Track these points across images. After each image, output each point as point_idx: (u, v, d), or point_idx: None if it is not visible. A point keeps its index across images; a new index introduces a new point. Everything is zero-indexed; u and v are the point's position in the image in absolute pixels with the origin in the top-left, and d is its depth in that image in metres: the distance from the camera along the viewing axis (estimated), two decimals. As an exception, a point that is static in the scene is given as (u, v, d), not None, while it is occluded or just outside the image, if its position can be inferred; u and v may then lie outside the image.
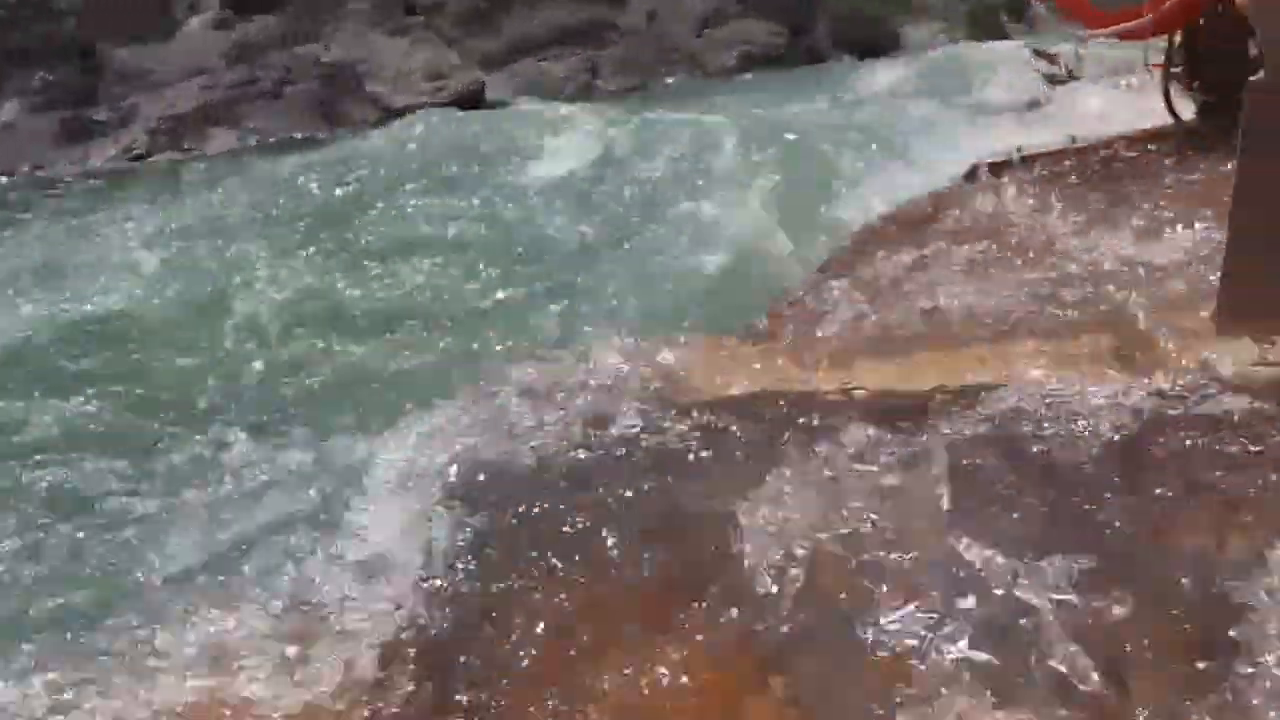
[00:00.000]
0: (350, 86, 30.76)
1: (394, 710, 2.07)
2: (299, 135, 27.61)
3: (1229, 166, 3.13)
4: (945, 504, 2.17)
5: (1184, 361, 2.56)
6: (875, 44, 57.59)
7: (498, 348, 7.37)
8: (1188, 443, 2.15)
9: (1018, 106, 13.56)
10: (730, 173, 12.67)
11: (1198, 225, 3.67)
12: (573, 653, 1.98)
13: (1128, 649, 1.75)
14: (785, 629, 2.01)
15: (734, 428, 2.60)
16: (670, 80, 36.72)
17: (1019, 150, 4.54)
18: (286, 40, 38.24)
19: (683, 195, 11.79)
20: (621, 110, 26.73)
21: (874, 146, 13.16)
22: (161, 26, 44.08)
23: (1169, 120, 4.60)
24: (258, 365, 8.19)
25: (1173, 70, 4.55)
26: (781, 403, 2.59)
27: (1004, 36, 72.50)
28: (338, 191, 15.54)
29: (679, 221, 10.65)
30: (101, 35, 38.10)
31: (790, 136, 14.83)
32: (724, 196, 11.36)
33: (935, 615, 1.90)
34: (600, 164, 14.49)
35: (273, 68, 30.74)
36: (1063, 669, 1.81)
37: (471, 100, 32.97)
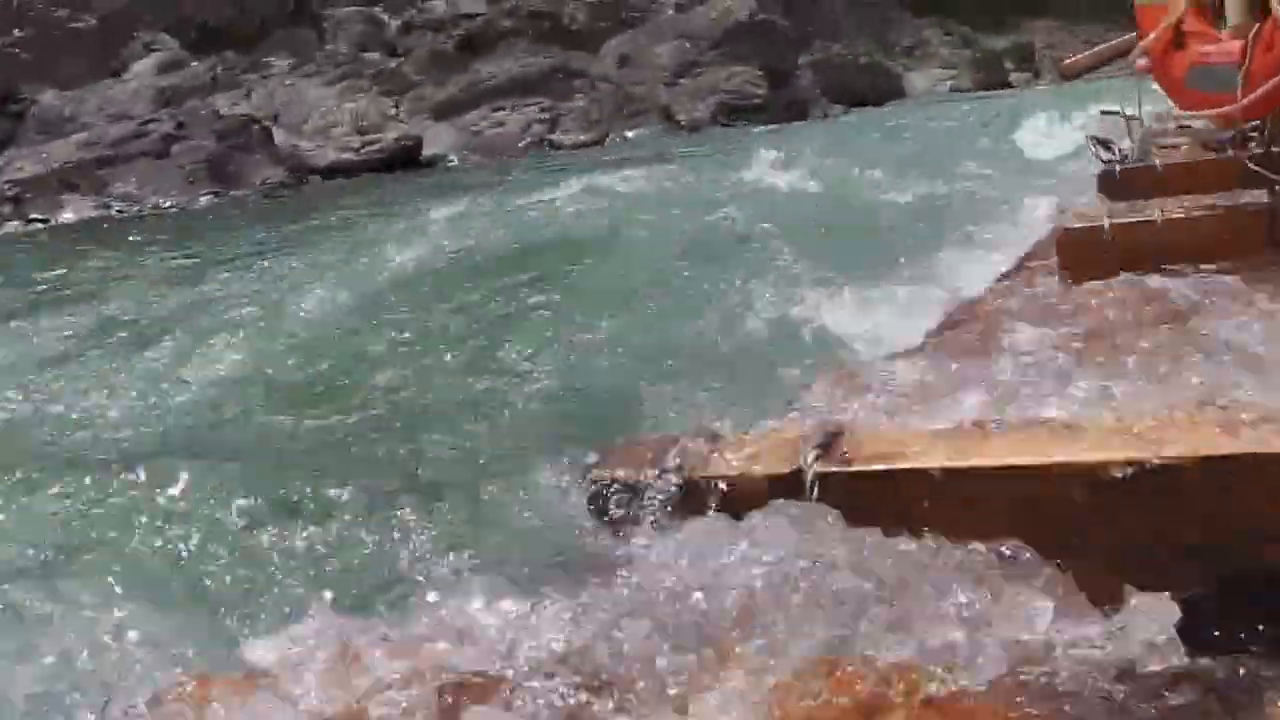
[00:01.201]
0: (255, 143, 27.01)
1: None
2: (170, 204, 23.76)
3: None
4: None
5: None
6: (871, 93, 53.95)
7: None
8: None
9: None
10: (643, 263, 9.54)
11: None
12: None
13: None
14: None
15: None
16: (632, 134, 32.91)
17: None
18: (218, 85, 34.61)
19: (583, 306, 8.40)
20: (565, 172, 22.95)
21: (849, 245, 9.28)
22: (110, 68, 40.78)
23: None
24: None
25: (1255, 152, 4.06)
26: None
27: (1008, 85, 69.13)
28: (156, 290, 11.61)
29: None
30: (29, 77, 34.57)
31: (723, 214, 11.67)
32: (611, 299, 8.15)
33: None
34: (505, 243, 11.54)
35: (168, 120, 26.97)
36: None
37: (406, 158, 29.32)
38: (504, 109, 34.30)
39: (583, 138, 32.19)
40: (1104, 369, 2.85)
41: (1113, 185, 5.18)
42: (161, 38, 43.53)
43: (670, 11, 40.23)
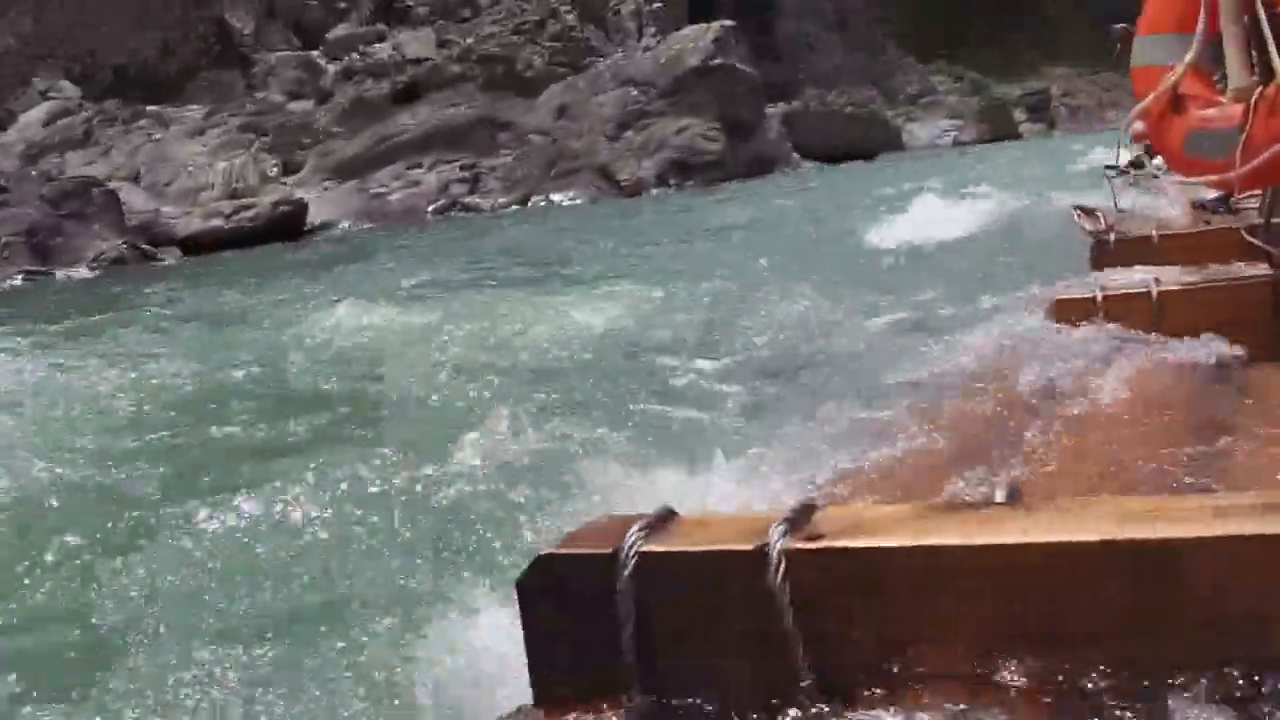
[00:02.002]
0: (95, 210, 22.11)
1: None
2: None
3: None
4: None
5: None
6: (861, 145, 49.14)
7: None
8: None
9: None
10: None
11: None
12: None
13: None
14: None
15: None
16: (560, 197, 27.95)
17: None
18: (90, 138, 29.77)
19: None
20: (453, 246, 18.58)
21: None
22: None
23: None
24: None
25: (1254, 223, 4.19)
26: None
27: (1017, 136, 64.39)
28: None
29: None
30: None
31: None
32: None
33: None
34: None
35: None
36: None
37: (286, 226, 24.46)
38: (420, 166, 29.44)
39: (501, 201, 27.28)
40: (1095, 447, 2.75)
41: (1106, 256, 5.00)
42: (61, 85, 38.98)
43: (620, 55, 35.58)
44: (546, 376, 7.84)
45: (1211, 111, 3.60)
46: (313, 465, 5.91)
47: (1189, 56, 3.58)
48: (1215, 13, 3.50)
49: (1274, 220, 3.89)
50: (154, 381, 9.27)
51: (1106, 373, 3.22)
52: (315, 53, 47.88)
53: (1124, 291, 3.66)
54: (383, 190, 28.28)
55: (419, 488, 5.34)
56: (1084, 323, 3.56)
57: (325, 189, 27.77)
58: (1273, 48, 3.36)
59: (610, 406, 6.69)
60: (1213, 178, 3.65)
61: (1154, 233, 5.11)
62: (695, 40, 32.10)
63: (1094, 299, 3.60)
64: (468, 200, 27.27)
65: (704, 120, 30.62)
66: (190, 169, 24.91)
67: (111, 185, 24.17)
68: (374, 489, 5.38)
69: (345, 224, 25.32)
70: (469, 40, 46.75)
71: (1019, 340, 3.73)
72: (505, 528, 4.64)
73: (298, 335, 11.07)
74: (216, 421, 7.57)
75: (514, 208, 27.12)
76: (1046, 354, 3.44)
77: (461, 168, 29.08)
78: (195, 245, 23.79)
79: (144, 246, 22.50)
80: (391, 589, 4.18)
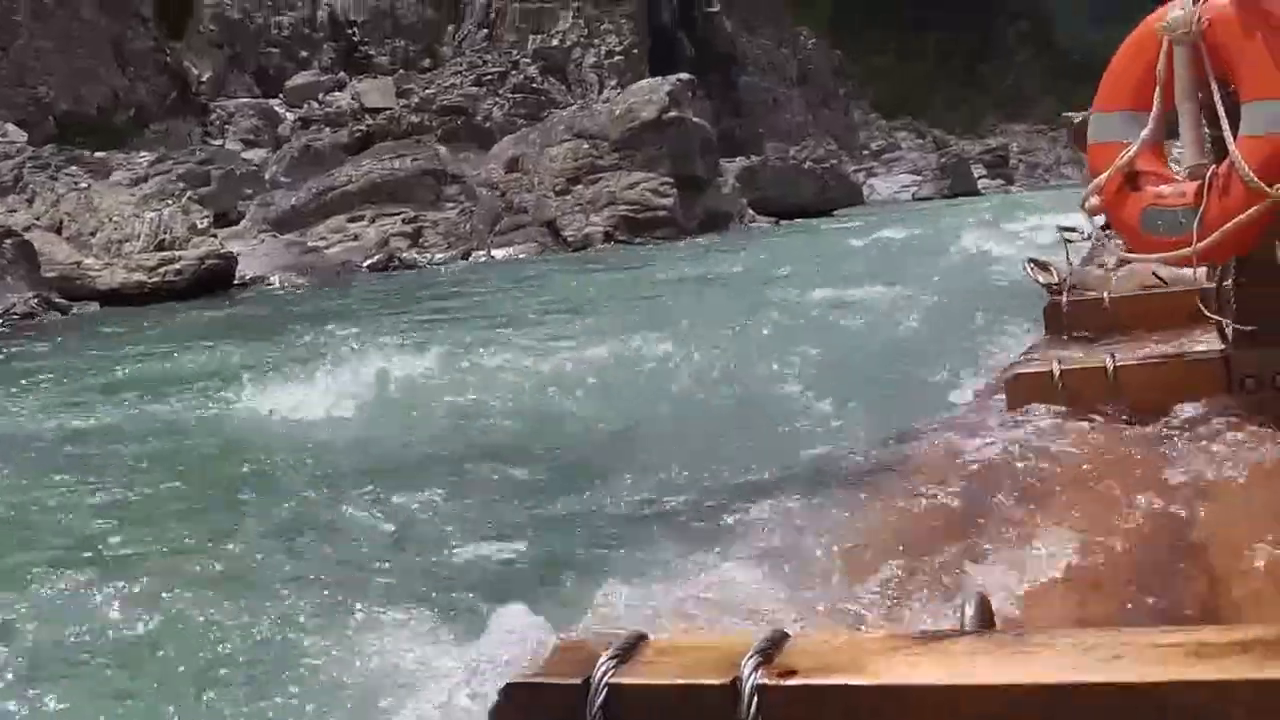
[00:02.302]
0: (4, 262, 20.85)
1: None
2: None
3: None
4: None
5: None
6: (820, 200, 48.35)
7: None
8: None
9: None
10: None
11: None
12: None
13: None
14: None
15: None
16: (502, 253, 26.83)
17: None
18: (16, 185, 28.50)
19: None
20: (385, 309, 17.60)
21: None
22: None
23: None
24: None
25: (1205, 286, 4.12)
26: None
27: (976, 193, 63.91)
28: None
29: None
30: None
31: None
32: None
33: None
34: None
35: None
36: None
37: (214, 280, 23.27)
38: (362, 219, 28.32)
39: (439, 257, 26.15)
40: (1055, 533, 2.68)
41: (1059, 319, 5.17)
42: (7, 129, 37.78)
43: (575, 107, 34.68)
44: (470, 454, 7.00)
45: (1167, 189, 3.60)
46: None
47: (1144, 134, 3.56)
48: (1170, 91, 3.46)
49: (1224, 284, 3.89)
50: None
51: (1063, 454, 3.20)
52: (275, 101, 46.97)
53: (1081, 366, 3.63)
54: (320, 244, 27.10)
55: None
56: (1041, 401, 3.52)
57: (262, 241, 26.57)
58: (1225, 127, 3.32)
59: (536, 493, 6.01)
60: (1169, 255, 3.67)
61: (1106, 296, 5.13)
62: (649, 94, 31.19)
63: (1051, 373, 3.57)
64: (405, 256, 26.12)
65: (656, 175, 29.64)
66: (116, 219, 23.70)
67: (31, 235, 22.93)
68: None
69: (276, 279, 24.09)
70: (429, 90, 45.93)
71: (977, 426, 3.65)
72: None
73: (187, 405, 10.13)
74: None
75: (454, 264, 25.94)
76: (1005, 437, 3.40)
77: (404, 221, 27.94)
78: (116, 299, 22.56)
79: (58, 300, 21.26)
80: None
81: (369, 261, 26.13)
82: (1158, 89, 3.47)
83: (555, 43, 48.87)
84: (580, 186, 29.83)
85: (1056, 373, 3.62)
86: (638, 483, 5.86)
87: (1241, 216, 3.30)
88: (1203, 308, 3.91)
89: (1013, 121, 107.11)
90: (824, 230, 33.00)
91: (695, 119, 31.06)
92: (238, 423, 9.05)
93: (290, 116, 45.44)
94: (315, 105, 45.84)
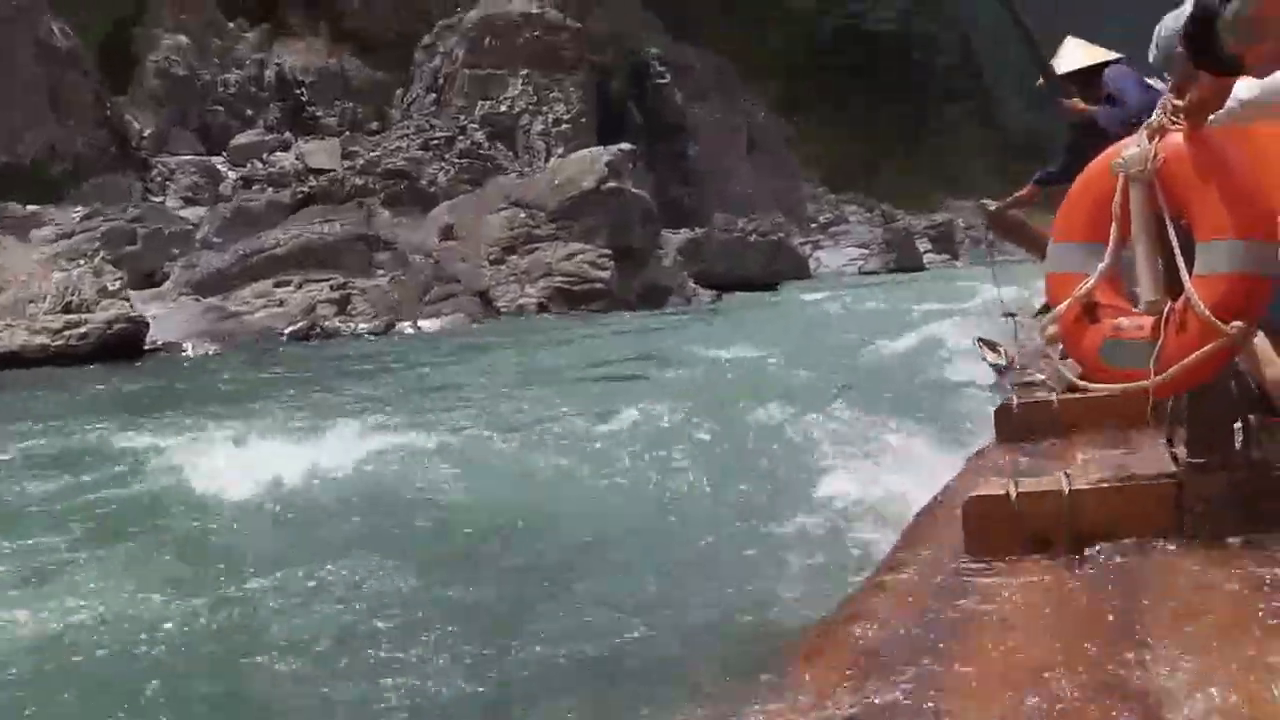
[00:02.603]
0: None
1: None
2: None
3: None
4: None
5: None
6: (766, 274, 47.92)
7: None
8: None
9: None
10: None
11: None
12: None
13: None
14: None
15: None
16: (429, 323, 26.02)
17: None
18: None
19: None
20: (293, 383, 16.84)
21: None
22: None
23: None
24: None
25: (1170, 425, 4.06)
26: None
27: (921, 268, 63.91)
28: None
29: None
30: None
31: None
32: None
33: None
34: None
35: None
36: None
37: (123, 345, 22.31)
38: (289, 284, 27.44)
39: (364, 326, 25.27)
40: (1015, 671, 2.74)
41: (1009, 423, 5.26)
42: (-65, 181, 36.64)
43: (513, 174, 34.10)
44: (368, 555, 6.38)
45: (1125, 322, 3.66)
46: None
47: (1102, 267, 3.63)
48: (1126, 225, 3.53)
49: (1177, 403, 3.96)
50: None
51: (1019, 591, 3.23)
52: (218, 159, 46.13)
53: (1037, 490, 3.70)
54: (244, 308, 26.15)
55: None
56: (997, 524, 3.57)
57: (181, 304, 25.63)
58: (1181, 264, 3.40)
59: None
60: (1127, 386, 3.73)
61: (1055, 399, 5.26)
62: (589, 163, 30.63)
63: (1008, 496, 3.64)
64: (327, 324, 25.20)
65: (594, 246, 29.00)
66: (24, 278, 22.71)
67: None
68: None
69: (190, 346, 23.14)
70: (374, 153, 45.23)
71: (931, 565, 3.64)
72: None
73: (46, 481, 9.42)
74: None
75: (376, 335, 25.09)
76: (963, 573, 3.44)
77: (332, 288, 27.05)
78: (16, 362, 21.49)
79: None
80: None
81: (291, 329, 25.21)
82: (1114, 224, 3.52)
83: (504, 109, 48.42)
84: (516, 256, 29.13)
85: (1013, 495, 3.63)
86: (552, 600, 5.53)
87: (1198, 353, 3.38)
88: (1152, 421, 3.97)
89: (958, 197, 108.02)
90: (766, 305, 32.48)
91: (635, 190, 30.49)
92: (103, 501, 8.46)
93: (233, 175, 44.60)
94: (259, 164, 45.04)
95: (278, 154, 45.41)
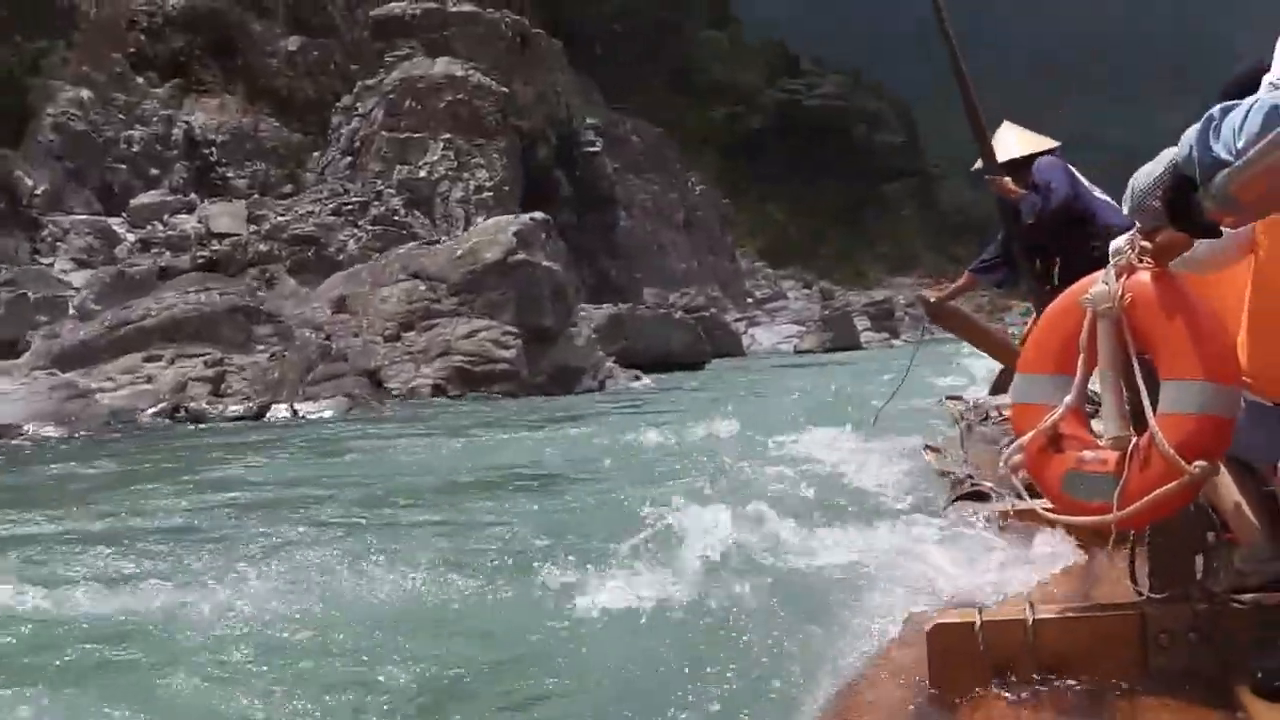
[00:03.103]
0: None
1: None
2: None
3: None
4: None
5: None
6: (692, 353, 45.48)
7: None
8: None
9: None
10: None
11: None
12: None
13: None
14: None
15: None
16: (307, 407, 23.17)
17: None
18: None
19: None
20: (142, 477, 14.67)
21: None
22: None
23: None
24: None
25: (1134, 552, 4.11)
26: None
27: (858, 346, 61.90)
28: None
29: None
30: None
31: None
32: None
33: None
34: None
35: None
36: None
37: (-51, 427, 19.45)
38: (161, 358, 24.56)
39: (236, 409, 22.42)
40: None
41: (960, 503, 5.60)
42: None
43: (414, 245, 31.55)
44: None
45: (1089, 455, 3.65)
46: None
47: (1068, 400, 3.68)
48: (1092, 359, 3.65)
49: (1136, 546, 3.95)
50: None
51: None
52: (116, 220, 43.16)
53: (1001, 619, 3.73)
54: (108, 385, 23.27)
55: None
56: (960, 653, 3.57)
57: (33, 380, 22.69)
58: (1146, 402, 3.54)
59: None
60: (1089, 519, 3.79)
61: (1011, 507, 5.35)
62: (495, 233, 28.12)
63: (972, 624, 3.67)
64: (194, 406, 22.37)
65: (499, 324, 26.38)
66: None
67: None
68: None
69: (30, 427, 20.23)
70: (282, 217, 42.50)
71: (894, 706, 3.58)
72: None
73: None
74: None
75: (249, 419, 22.26)
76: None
77: (207, 364, 24.21)
78: None
79: None
80: None
81: (153, 410, 22.35)
82: (1081, 356, 3.60)
83: (422, 174, 45.91)
84: (413, 333, 26.45)
85: (978, 624, 3.60)
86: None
87: (1160, 491, 3.43)
88: (1111, 547, 4.06)
89: (898, 275, 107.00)
90: (686, 390, 29.98)
91: (547, 263, 27.96)
92: None
93: (131, 237, 41.68)
94: (159, 226, 42.13)
95: (180, 216, 42.54)
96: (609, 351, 39.13)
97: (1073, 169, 6.83)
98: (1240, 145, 2.71)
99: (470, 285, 27.01)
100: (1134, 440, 3.48)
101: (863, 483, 10.12)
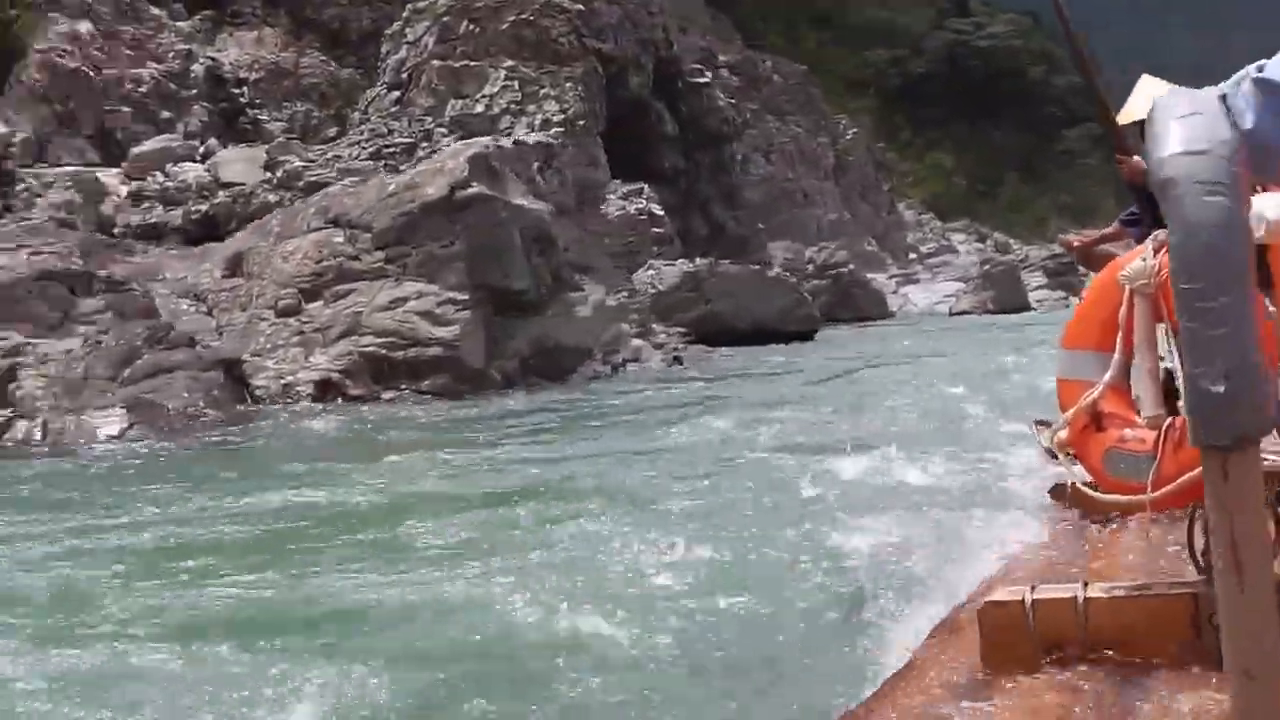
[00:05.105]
0: None
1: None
2: None
3: None
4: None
5: None
6: (783, 321, 35.18)
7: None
8: None
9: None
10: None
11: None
12: None
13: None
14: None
15: None
16: (110, 429, 14.47)
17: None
18: None
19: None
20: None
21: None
22: None
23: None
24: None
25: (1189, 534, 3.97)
26: None
27: (1027, 307, 50.57)
28: None
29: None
30: None
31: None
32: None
33: None
34: None
35: None
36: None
37: None
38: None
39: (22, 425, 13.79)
40: None
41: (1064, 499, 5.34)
42: None
43: (343, 185, 22.66)
44: None
45: (1128, 433, 3.64)
46: None
47: (1107, 376, 3.65)
48: (1131, 337, 3.59)
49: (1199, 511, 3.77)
50: None
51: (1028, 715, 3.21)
52: (114, 171, 35.61)
53: (1051, 597, 3.65)
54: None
55: None
56: (1011, 631, 3.50)
57: None
58: (1181, 380, 3.04)
59: None
60: (1127, 499, 3.74)
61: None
62: (440, 164, 18.90)
63: (1023, 603, 3.60)
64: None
65: (439, 289, 17.20)
66: None
67: None
68: None
69: None
70: (304, 163, 34.24)
71: (945, 681, 3.49)
72: None
73: None
74: None
75: (26, 444, 13.74)
76: (974, 693, 3.38)
77: (4, 355, 15.81)
78: None
79: None
80: None
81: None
82: (1120, 334, 3.55)
83: (479, 109, 36.97)
84: (319, 303, 17.48)
85: (1029, 603, 3.55)
86: None
87: (1194, 472, 3.23)
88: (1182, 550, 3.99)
89: (1083, 227, 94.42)
90: (750, 375, 20.34)
91: (521, 200, 18.58)
92: None
93: (124, 190, 34.01)
94: (158, 177, 34.31)
95: (184, 164, 34.60)
96: (683, 320, 29.69)
97: None
98: None
99: (403, 234, 17.82)
100: (1169, 420, 3.44)
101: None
